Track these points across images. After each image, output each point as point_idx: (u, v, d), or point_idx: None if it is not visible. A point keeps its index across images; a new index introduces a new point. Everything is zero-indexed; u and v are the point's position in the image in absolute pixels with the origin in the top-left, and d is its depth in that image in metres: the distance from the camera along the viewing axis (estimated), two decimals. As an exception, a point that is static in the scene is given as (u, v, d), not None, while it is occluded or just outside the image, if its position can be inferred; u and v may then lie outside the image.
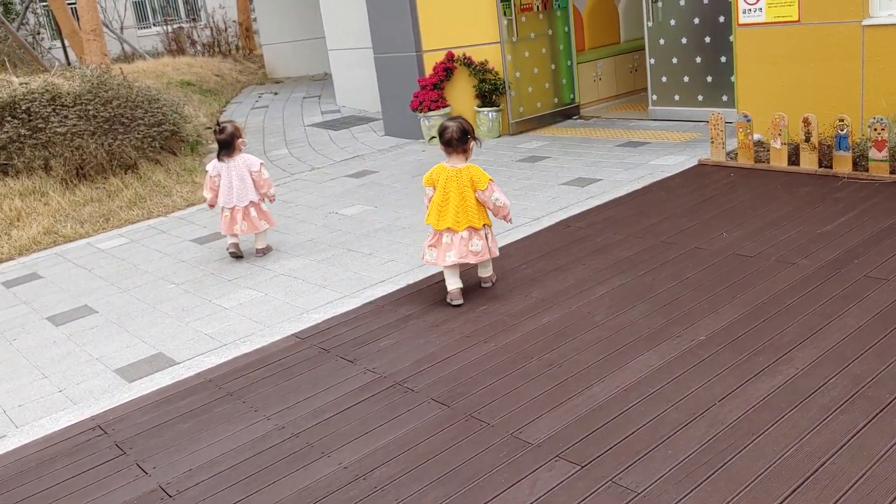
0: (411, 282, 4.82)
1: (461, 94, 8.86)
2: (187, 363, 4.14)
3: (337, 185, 7.59)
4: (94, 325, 4.87)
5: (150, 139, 8.22)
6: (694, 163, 6.50)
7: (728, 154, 6.36)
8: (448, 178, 4.23)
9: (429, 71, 8.79)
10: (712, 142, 6.34)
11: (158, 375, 4.05)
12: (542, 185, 6.50)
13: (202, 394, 3.78)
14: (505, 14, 8.56)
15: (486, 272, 4.55)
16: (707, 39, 7.82)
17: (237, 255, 5.67)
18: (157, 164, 8.35)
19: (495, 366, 3.62)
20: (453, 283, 4.36)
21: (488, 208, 4.30)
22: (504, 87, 8.61)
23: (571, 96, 9.34)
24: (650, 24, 8.25)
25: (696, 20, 7.85)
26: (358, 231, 6.02)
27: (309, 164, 8.64)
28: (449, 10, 8.66)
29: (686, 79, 8.11)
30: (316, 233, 6.13)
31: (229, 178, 5.51)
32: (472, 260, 4.29)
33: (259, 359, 4.07)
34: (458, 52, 8.70)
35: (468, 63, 8.67)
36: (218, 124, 5.55)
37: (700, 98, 8.05)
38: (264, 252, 5.82)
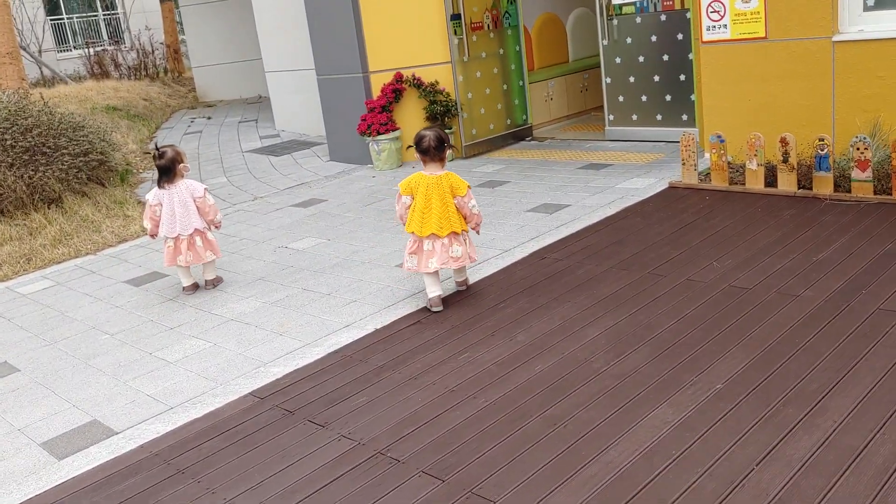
0: (380, 325, 4.35)
1: (411, 117, 8.44)
2: (128, 433, 3.57)
3: (283, 215, 7.06)
4: (16, 386, 4.25)
5: (75, 170, 7.55)
6: (664, 185, 6.21)
7: (700, 176, 6.09)
8: (429, 186, 4.33)
9: (376, 93, 8.35)
10: (683, 163, 6.06)
11: (94, 449, 3.47)
12: (507, 213, 6.11)
13: (148, 472, 3.22)
14: (455, 33, 8.20)
15: (461, 276, 4.66)
16: (665, 57, 7.59)
17: (194, 290, 5.33)
18: (84, 197, 7.67)
19: (490, 427, 3.18)
20: (434, 291, 4.43)
21: (463, 214, 4.42)
22: (456, 109, 8.23)
23: (524, 117, 9.02)
24: (605, 42, 8.00)
25: (654, 37, 7.62)
26: (312, 267, 5.51)
27: (251, 193, 8.08)
28: (396, 30, 8.26)
29: (644, 98, 7.87)
30: (265, 270, 5.60)
31: (171, 205, 5.10)
32: (452, 265, 4.40)
33: (212, 425, 3.53)
34: (406, 73, 8.29)
35: (418, 84, 8.27)
36: (157, 149, 5.11)
37: (659, 117, 7.82)
38: (214, 283, 5.36)
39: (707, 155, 6.48)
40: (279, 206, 7.42)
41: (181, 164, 5.14)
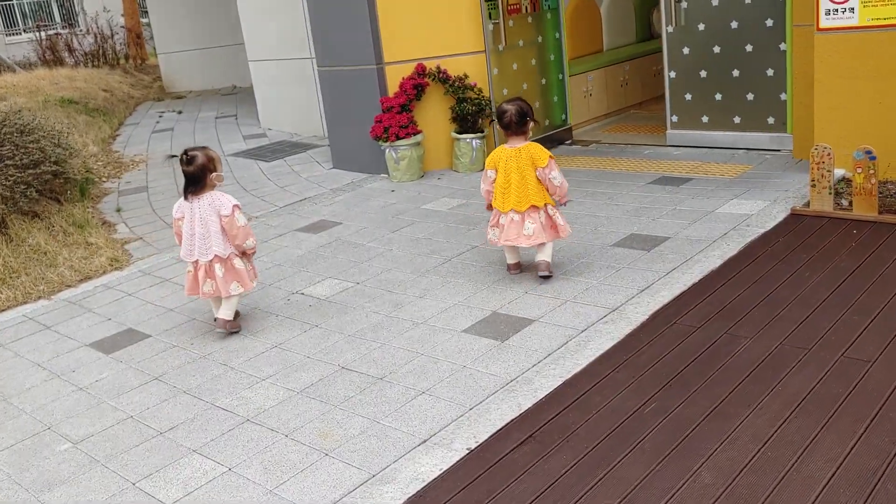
0: (474, 443, 2.97)
1: (434, 117, 7.04)
2: None
3: (289, 244, 5.63)
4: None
5: (23, 186, 6.02)
6: (783, 211, 4.91)
7: (836, 201, 4.80)
8: (508, 159, 4.26)
9: (393, 88, 6.93)
10: (813, 184, 4.77)
11: None
12: (589, 248, 4.77)
13: None
14: (490, 16, 6.80)
15: (543, 255, 4.35)
16: (748, 48, 6.29)
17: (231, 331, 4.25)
18: (35, 220, 6.14)
19: None
20: (512, 259, 4.50)
21: (545, 187, 4.26)
22: (490, 108, 6.85)
23: (563, 116, 7.67)
24: (670, 28, 6.66)
25: (734, 23, 6.30)
26: (345, 329, 4.12)
27: (244, 211, 6.62)
28: (418, 12, 6.84)
29: (718, 96, 6.56)
30: (280, 331, 4.20)
31: (191, 222, 4.11)
32: (524, 243, 4.28)
33: None
34: (430, 65, 6.88)
35: (444, 78, 6.87)
36: (185, 153, 4.06)
37: (737, 120, 6.52)
38: (227, 328, 4.20)
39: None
40: (281, 230, 5.98)
41: (213, 174, 4.08)
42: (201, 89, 14.94)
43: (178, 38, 14.74)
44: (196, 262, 4.14)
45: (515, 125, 4.24)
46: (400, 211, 6.08)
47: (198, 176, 4.05)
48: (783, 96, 6.21)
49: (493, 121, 4.84)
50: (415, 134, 6.82)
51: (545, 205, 4.25)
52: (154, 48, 16.68)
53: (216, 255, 4.08)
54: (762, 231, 4.64)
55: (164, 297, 4.94)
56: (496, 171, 4.31)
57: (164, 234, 6.24)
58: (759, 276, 4.07)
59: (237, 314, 4.31)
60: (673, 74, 6.78)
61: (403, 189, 6.69)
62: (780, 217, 4.82)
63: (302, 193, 6.93)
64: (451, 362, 3.62)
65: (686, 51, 6.64)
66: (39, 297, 5.18)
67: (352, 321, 4.22)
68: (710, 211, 5.13)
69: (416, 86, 6.84)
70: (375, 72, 6.91)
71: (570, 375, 3.34)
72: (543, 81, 7.38)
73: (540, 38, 7.28)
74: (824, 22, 5.22)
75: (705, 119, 6.70)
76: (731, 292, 3.92)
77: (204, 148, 4.13)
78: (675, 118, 6.89)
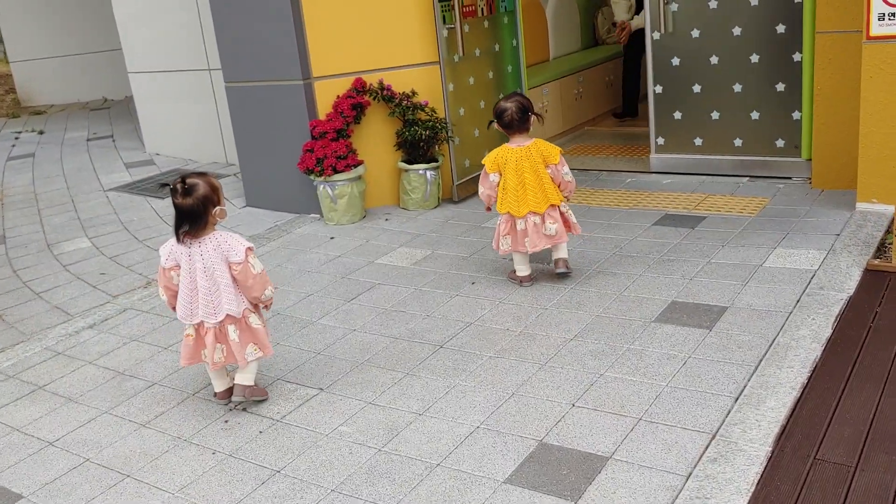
0: None
1: (377, 144, 5.75)
2: None
3: (210, 322, 4.23)
4: None
5: None
6: (852, 264, 3.92)
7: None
8: (519, 159, 3.99)
9: (325, 109, 5.59)
10: (897, 233, 3.81)
11: None
12: (625, 327, 3.62)
13: None
14: (445, 20, 5.57)
15: (560, 253, 4.14)
16: (754, 58, 5.33)
17: (240, 402, 3.39)
18: None
19: None
20: (523, 270, 4.17)
21: (556, 183, 4.05)
22: (446, 131, 5.62)
23: (522, 138, 6.53)
24: (656, 35, 5.64)
25: (737, 29, 5.34)
26: (323, 479, 2.80)
27: (140, 272, 5.11)
28: (356, 15, 5.53)
29: (715, 115, 5.58)
30: (218, 483, 2.83)
31: (192, 273, 3.22)
32: (547, 244, 4.05)
33: None
34: (371, 80, 5.59)
35: (388, 96, 5.59)
36: (183, 180, 3.14)
37: (738, 143, 5.56)
38: (249, 395, 3.32)
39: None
40: (195, 299, 4.55)
41: (217, 209, 3.18)
42: (65, 103, 12.92)
43: (35, 43, 12.69)
44: (200, 324, 3.23)
45: (518, 122, 4.00)
46: (349, 268, 4.76)
47: (198, 211, 3.12)
48: (796, 115, 5.28)
49: (490, 123, 4.14)
50: (355, 165, 5.50)
51: (560, 202, 4.06)
52: (5, 53, 14.44)
53: (228, 315, 3.19)
54: (844, 296, 3.62)
55: (44, 424, 3.44)
56: (500, 174, 4.03)
57: (33, 308, 4.68)
58: (886, 369, 3.04)
59: (262, 391, 3.41)
60: (659, 89, 5.76)
61: (345, 235, 5.36)
62: (855, 275, 3.82)
63: (214, 243, 5.48)
64: (512, 548, 2.38)
65: (676, 61, 5.63)
66: None
67: (329, 463, 2.90)
68: (756, 265, 4.09)
69: (355, 105, 5.53)
70: (302, 88, 5.54)
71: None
72: (501, 97, 6.20)
73: (497, 47, 6.11)
74: (877, 29, 4.29)
75: (699, 142, 5.72)
76: (864, 398, 2.87)
77: (203, 174, 3.20)
78: (660, 140, 5.87)
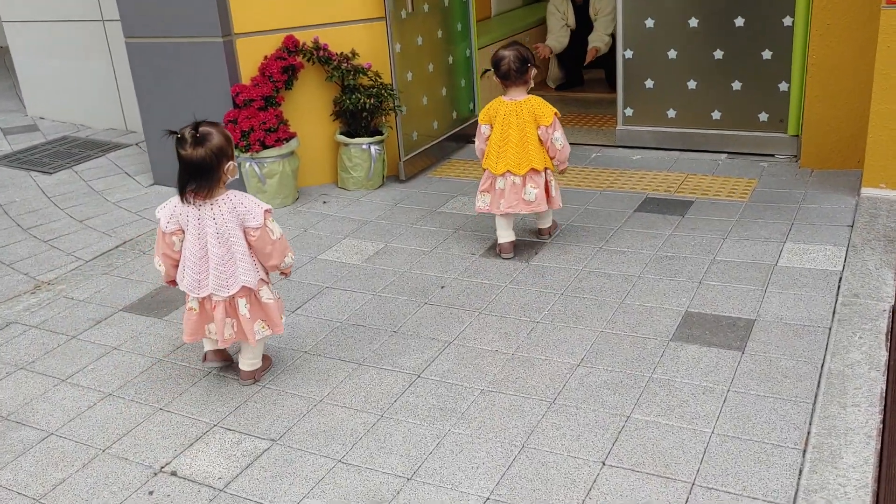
0: None
1: (311, 114, 4.94)
2: None
3: (118, 341, 3.40)
4: None
5: None
6: (878, 264, 3.43)
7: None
8: (507, 114, 3.72)
9: (249, 72, 4.73)
10: (937, 231, 3.33)
11: None
12: (638, 349, 3.02)
13: None
14: (391, -32, 4.78)
15: (545, 223, 3.98)
16: (739, 21, 4.78)
17: (222, 362, 3.10)
18: None
19: None
20: (505, 236, 3.86)
21: (545, 147, 3.74)
22: (393, 99, 4.86)
23: (471, 106, 5.83)
24: (628, -7, 5.01)
25: (720, -11, 4.77)
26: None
27: (24, 271, 4.18)
28: (282, -41, 4.67)
29: (692, 84, 5.02)
30: None
31: (201, 238, 2.81)
32: (523, 210, 3.77)
33: None
34: (304, 38, 4.76)
35: (325, 58, 4.77)
36: (195, 128, 2.71)
37: (716, 115, 5.03)
38: (258, 378, 3.03)
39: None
40: (97, 311, 3.68)
41: (230, 164, 2.80)
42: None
43: None
44: (207, 297, 2.88)
45: (515, 73, 3.70)
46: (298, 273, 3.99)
47: (210, 165, 2.73)
48: (783, 86, 4.78)
49: (485, 72, 4.02)
50: (287, 139, 4.69)
51: (545, 168, 3.75)
52: None
53: (243, 287, 2.85)
54: (885, 308, 3.12)
55: None
56: (492, 126, 3.77)
57: None
58: (965, 406, 2.55)
59: (265, 359, 3.09)
60: (629, 54, 5.14)
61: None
62: (889, 279, 3.33)
63: (117, 232, 4.58)
64: None
65: (650, 23, 5.02)
66: None
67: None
68: (770, 264, 3.56)
69: (286, 68, 4.69)
70: (222, 47, 4.66)
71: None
72: (450, 60, 5.47)
73: (447, 2, 5.34)
74: (898, -8, 3.78)
75: (672, 113, 5.15)
76: (959, 451, 2.36)
77: (216, 123, 2.81)
78: (629, 111, 5.28)
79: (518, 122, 3.68)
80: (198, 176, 2.73)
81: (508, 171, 3.72)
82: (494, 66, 3.75)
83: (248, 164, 4.66)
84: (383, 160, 4.97)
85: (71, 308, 3.72)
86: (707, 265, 3.62)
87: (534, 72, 3.76)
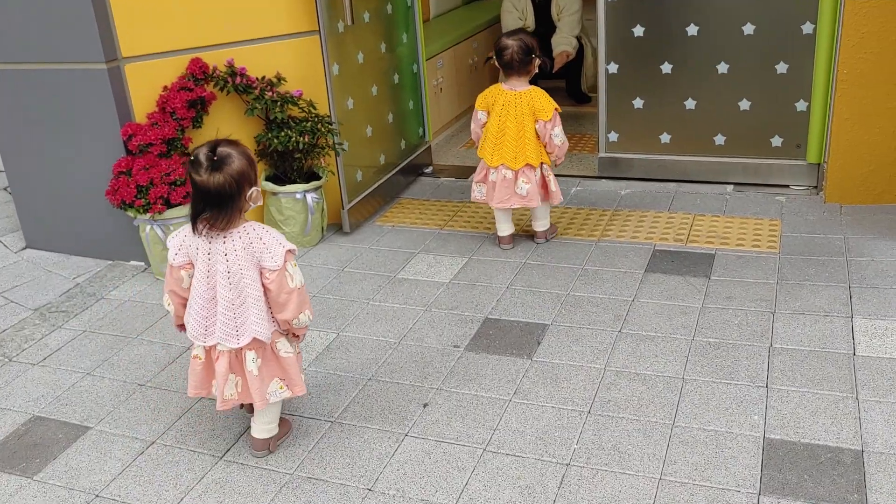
0: None
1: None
2: None
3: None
4: None
5: None
6: None
7: None
8: (506, 104, 3.56)
9: (144, 106, 3.66)
10: None
11: None
12: (719, 505, 2.17)
13: None
14: (325, -30, 3.76)
15: (540, 225, 3.76)
16: (747, 29, 3.98)
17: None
18: None
19: None
20: (504, 229, 3.76)
21: (543, 142, 3.58)
22: (331, 132, 3.86)
23: (420, 131, 4.88)
24: (612, -5, 4.15)
25: (725, -10, 3.95)
26: None
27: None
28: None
29: (690, 103, 4.21)
30: None
31: (210, 276, 2.37)
32: (516, 204, 3.63)
33: None
34: (213, 59, 3.71)
35: (243, 85, 3.74)
36: (213, 149, 2.27)
37: (719, 140, 4.23)
38: (272, 449, 2.54)
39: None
40: (-60, 464, 2.61)
41: (253, 190, 2.32)
42: None
43: None
44: (212, 347, 2.40)
45: (519, 63, 3.54)
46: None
47: (229, 193, 2.25)
48: (801, 106, 4.01)
49: (488, 59, 3.78)
50: (199, 192, 3.63)
51: (541, 164, 3.60)
52: None
53: (254, 339, 2.35)
54: None
55: None
56: (488, 113, 3.63)
57: None
58: None
59: (284, 423, 2.59)
60: (614, 68, 4.29)
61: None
62: None
63: (-25, 326, 3.45)
64: None
65: (639, 31, 4.17)
66: None
67: None
68: (845, 353, 2.76)
69: (193, 102, 3.64)
70: (106, 74, 3.56)
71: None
72: (396, 78, 4.50)
73: (389, 8, 4.36)
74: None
75: (665, 138, 4.33)
76: None
77: (235, 142, 2.32)
78: (613, 136, 4.43)
79: (516, 115, 3.53)
80: (214, 205, 2.27)
81: (503, 164, 3.58)
82: (497, 54, 3.59)
83: (148, 228, 3.59)
84: (322, 209, 3.98)
85: None
86: (766, 358, 2.79)
87: (537, 62, 3.58)
